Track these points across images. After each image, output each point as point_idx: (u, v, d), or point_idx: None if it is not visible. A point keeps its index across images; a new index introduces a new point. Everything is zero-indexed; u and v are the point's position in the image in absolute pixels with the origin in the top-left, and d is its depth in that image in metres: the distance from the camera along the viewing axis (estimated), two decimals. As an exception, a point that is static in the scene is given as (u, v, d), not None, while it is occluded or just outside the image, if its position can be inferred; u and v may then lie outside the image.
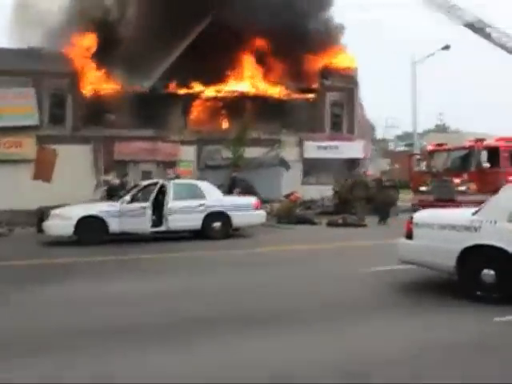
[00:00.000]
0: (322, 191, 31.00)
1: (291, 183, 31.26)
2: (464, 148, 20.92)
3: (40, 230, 16.98)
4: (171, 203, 16.49)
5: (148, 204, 16.06)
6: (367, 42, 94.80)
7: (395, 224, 21.65)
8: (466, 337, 6.67)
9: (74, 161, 27.53)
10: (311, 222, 21.62)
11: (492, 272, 8.06)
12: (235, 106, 32.07)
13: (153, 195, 16.32)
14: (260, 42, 33.61)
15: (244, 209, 17.31)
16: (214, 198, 17.13)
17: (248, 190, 24.39)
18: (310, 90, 34.39)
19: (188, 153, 31.12)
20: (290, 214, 21.63)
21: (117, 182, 23.50)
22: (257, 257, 13.66)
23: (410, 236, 9.19)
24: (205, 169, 30.69)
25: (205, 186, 17.52)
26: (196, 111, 32.85)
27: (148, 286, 9.86)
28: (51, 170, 27.39)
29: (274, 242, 16.53)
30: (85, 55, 30.66)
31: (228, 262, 12.98)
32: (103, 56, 29.99)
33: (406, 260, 9.47)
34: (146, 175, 30.28)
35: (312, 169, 34.32)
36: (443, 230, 8.69)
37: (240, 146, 28.19)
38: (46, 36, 29.67)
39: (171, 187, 16.67)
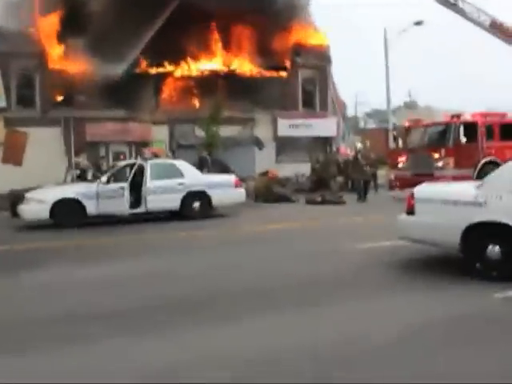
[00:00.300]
0: (296, 169, 30.91)
1: (265, 162, 31.10)
2: (441, 124, 20.98)
3: (14, 215, 16.45)
4: (149, 183, 16.13)
5: (126, 184, 15.65)
6: (339, 18, 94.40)
7: (374, 200, 21.74)
8: (470, 311, 6.53)
9: (45, 143, 26.87)
10: (289, 200, 21.43)
11: (497, 248, 7.74)
12: (207, 84, 31.59)
13: (130, 176, 15.90)
14: (230, 20, 33.12)
15: (224, 187, 17.01)
16: (192, 176, 16.79)
17: (223, 169, 24.13)
18: (282, 68, 34.07)
19: (160, 133, 30.70)
20: (268, 192, 21.37)
21: (86, 163, 23.04)
22: (239, 237, 13.38)
23: (411, 212, 8.77)
24: (177, 148, 30.31)
25: (183, 165, 17.16)
26: (167, 91, 32.29)
27: (129, 269, 9.54)
28: (22, 153, 26.65)
29: (256, 220, 16.31)
30: (51, 34, 29.89)
31: (212, 242, 12.69)
32: (71, 36, 29.27)
33: (406, 237, 9.07)
34: (118, 156, 29.90)
35: (285, 147, 34.17)
36: (447, 205, 8.29)
37: (214, 124, 27.80)
38: (6, 13, 28.67)
39: (148, 167, 16.27)
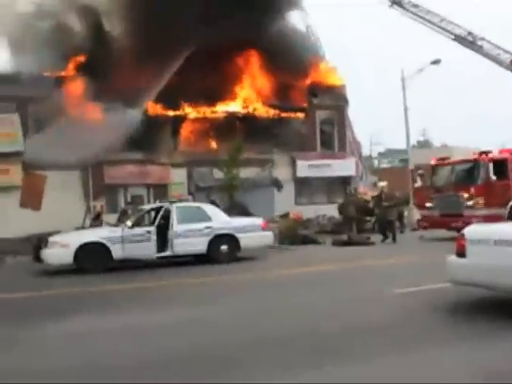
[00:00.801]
0: (316, 210, 30.53)
1: (284, 203, 30.79)
2: (469, 161, 20.56)
3: (37, 259, 16.06)
4: (176, 227, 15.75)
5: (153, 228, 15.29)
6: (355, 59, 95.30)
7: (401, 240, 21.23)
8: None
9: (63, 187, 26.63)
10: (316, 242, 20.98)
11: None
12: (224, 126, 31.50)
13: (157, 219, 15.54)
14: (247, 62, 33.23)
15: (251, 230, 16.61)
16: (220, 219, 16.43)
17: (243, 212, 23.79)
18: (300, 109, 33.95)
19: (179, 175, 30.51)
20: (294, 234, 20.94)
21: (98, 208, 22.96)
22: (272, 280, 12.90)
23: (462, 254, 8.35)
24: (196, 191, 30.08)
25: (210, 208, 16.83)
26: (185, 133, 32.17)
27: (162, 317, 9.03)
28: (40, 197, 26.41)
29: (286, 263, 15.83)
30: (70, 80, 29.92)
31: (243, 287, 12.22)
32: (89, 80, 29.31)
33: (459, 280, 8.60)
34: (138, 199, 29.66)
35: (304, 188, 33.94)
36: (500, 246, 7.78)
37: (233, 166, 27.55)
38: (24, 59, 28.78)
39: (175, 210, 15.93)
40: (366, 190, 36.64)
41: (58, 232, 20.61)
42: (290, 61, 31.66)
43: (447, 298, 9.25)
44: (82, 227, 22.85)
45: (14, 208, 25.35)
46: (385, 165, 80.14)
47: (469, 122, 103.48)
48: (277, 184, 31.51)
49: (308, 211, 29.52)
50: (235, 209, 24.18)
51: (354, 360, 6.31)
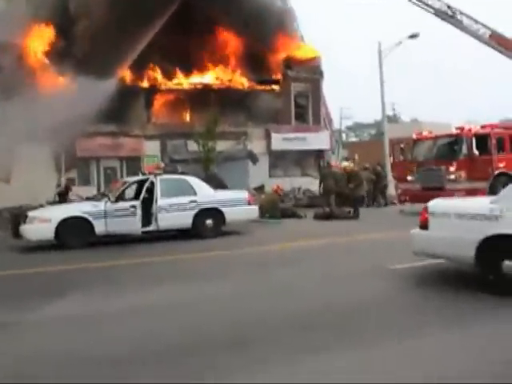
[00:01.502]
0: (289, 183, 30.41)
1: (258, 176, 30.53)
2: (452, 136, 20.50)
3: (16, 235, 15.48)
4: (160, 201, 15.32)
5: (138, 203, 14.81)
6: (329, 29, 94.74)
7: (382, 214, 21.12)
8: None
9: (34, 159, 25.84)
10: (296, 216, 20.74)
11: None
12: (199, 98, 31.03)
13: (142, 193, 15.06)
14: (222, 34, 32.66)
15: (236, 204, 16.26)
16: (205, 193, 16.03)
17: (219, 185, 23.39)
18: (274, 82, 33.58)
19: (152, 148, 29.98)
20: (275, 208, 20.59)
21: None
22: (264, 256, 12.58)
23: (425, 226, 8.65)
24: (170, 163, 29.55)
25: (195, 181, 16.39)
26: (158, 105, 31.58)
27: (156, 298, 8.71)
28: (8, 169, 25.64)
29: (272, 238, 15.50)
30: (40, 47, 28.99)
31: (235, 262, 11.90)
32: (61, 48, 28.43)
33: (422, 252, 8.92)
34: (111, 171, 29.12)
35: (278, 161, 33.70)
36: (461, 219, 8.13)
37: (209, 139, 27.07)
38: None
39: (159, 184, 15.47)
40: (337, 164, 36.54)
41: (30, 206, 20.12)
42: (265, 32, 31.21)
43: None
44: (54, 201, 22.25)
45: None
46: (353, 139, 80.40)
47: (437, 97, 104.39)
48: (252, 157, 31.16)
49: (282, 184, 29.23)
50: (211, 182, 23.73)
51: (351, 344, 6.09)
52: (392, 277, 9.38)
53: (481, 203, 8.43)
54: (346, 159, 41.74)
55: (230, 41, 32.52)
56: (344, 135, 76.82)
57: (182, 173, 19.51)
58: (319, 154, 34.70)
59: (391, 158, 24.92)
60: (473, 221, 7.94)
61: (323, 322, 6.95)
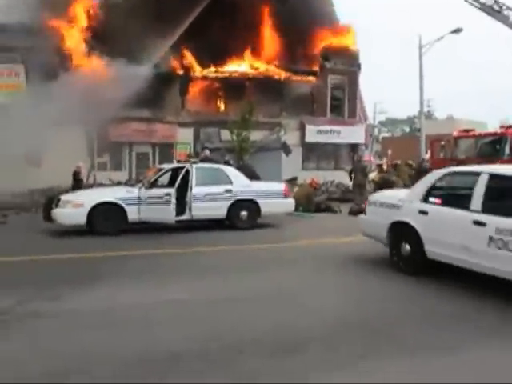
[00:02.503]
0: (324, 176, 29.87)
1: (291, 168, 30.11)
2: (495, 134, 19.88)
3: (48, 218, 15.23)
4: (195, 189, 14.96)
5: (173, 190, 14.43)
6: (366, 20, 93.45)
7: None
8: None
9: (66, 142, 25.65)
10: (331, 210, 20.24)
11: (407, 245, 9.23)
12: (234, 87, 30.66)
13: (178, 181, 14.70)
14: (260, 23, 32.18)
15: (273, 196, 15.85)
16: (241, 183, 15.64)
17: (251, 175, 23.00)
18: (312, 73, 33.04)
19: (185, 135, 29.71)
20: (310, 201, 20.09)
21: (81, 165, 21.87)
22: (300, 252, 12.11)
23: (365, 212, 10.82)
24: (202, 151, 29.29)
25: (231, 170, 16.02)
26: (193, 92, 31.27)
27: (190, 293, 8.30)
28: (40, 152, 25.53)
29: (310, 233, 15.04)
30: (75, 32, 28.84)
31: (278, 257, 11.49)
32: (95, 33, 28.27)
33: (363, 233, 10.85)
34: (143, 157, 28.96)
35: (312, 153, 33.24)
36: (381, 207, 10.09)
37: (244, 128, 26.70)
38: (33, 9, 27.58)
39: (194, 172, 15.11)
40: (370, 158, 36.01)
41: (61, 188, 19.96)
42: (304, 22, 30.69)
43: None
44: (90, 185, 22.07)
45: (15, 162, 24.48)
46: (385, 134, 79.49)
47: (473, 96, 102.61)
48: (285, 148, 30.73)
49: (316, 177, 28.74)
50: (243, 171, 23.36)
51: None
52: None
53: (397, 195, 10.23)
54: (379, 155, 41.21)
55: (269, 29, 32.03)
56: (376, 130, 76.09)
57: (227, 162, 19.27)
58: (353, 147, 34.16)
59: (428, 154, 24.35)
60: (387, 209, 9.85)
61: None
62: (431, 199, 9.02)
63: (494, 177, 8.12)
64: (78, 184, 19.96)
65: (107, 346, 6.05)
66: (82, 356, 5.74)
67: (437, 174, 9.53)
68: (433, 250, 8.68)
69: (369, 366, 5.47)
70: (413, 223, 9.01)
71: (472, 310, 7.29)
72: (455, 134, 21.17)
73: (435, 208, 8.83)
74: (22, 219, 18.81)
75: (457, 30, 29.52)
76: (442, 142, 21.61)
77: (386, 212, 9.74)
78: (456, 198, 8.80)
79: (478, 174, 8.33)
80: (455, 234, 8.23)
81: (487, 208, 7.87)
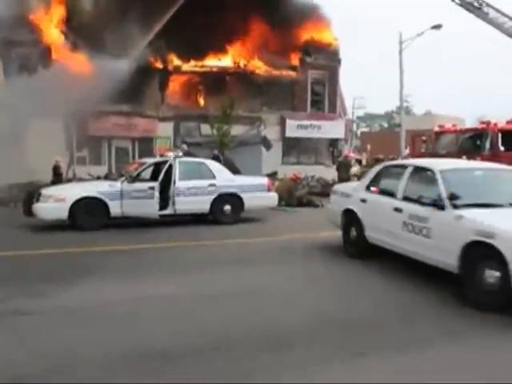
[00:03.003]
0: (304, 171, 29.86)
1: (271, 162, 30.08)
2: (476, 130, 20.01)
3: (28, 213, 15.01)
4: (178, 183, 14.86)
5: (156, 184, 14.32)
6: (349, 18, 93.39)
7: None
8: None
9: (45, 136, 25.33)
10: (312, 204, 20.23)
11: (354, 231, 10.14)
12: (214, 81, 30.54)
13: (161, 175, 14.58)
14: (240, 17, 31.96)
15: (256, 190, 15.79)
16: (224, 177, 15.57)
17: (233, 170, 22.94)
18: (292, 67, 33.00)
19: (165, 129, 29.56)
20: (291, 195, 20.09)
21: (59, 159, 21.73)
22: (292, 246, 12.02)
23: (329, 202, 11.88)
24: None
25: (214, 164, 15.94)
26: (173, 86, 31.10)
27: (175, 288, 8.26)
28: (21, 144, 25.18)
29: (293, 227, 15.02)
30: (53, 24, 28.51)
31: (264, 251, 11.43)
32: (73, 27, 27.97)
33: (329, 220, 11.66)
34: (122, 151, 28.77)
35: (292, 148, 33.26)
36: (339, 196, 11.20)
37: (226, 123, 26.62)
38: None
39: (177, 166, 15.00)
40: (349, 153, 36.07)
41: (40, 183, 19.70)
42: (284, 16, 30.63)
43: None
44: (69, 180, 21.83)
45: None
46: (363, 129, 79.83)
47: (452, 92, 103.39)
48: (266, 143, 30.70)
49: (294, 171, 28.79)
50: (224, 166, 23.31)
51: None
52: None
53: (352, 185, 11.89)
54: (358, 150, 41.32)
55: (250, 23, 31.87)
56: (354, 125, 76.32)
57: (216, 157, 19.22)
58: (333, 142, 34.23)
59: (407, 149, 24.47)
60: (342, 198, 10.89)
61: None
62: (370, 189, 10.02)
63: (416, 169, 9.10)
64: (58, 178, 19.75)
65: (92, 343, 5.94)
66: (66, 355, 5.62)
67: (378, 167, 10.73)
68: (371, 235, 9.62)
69: (362, 361, 5.47)
70: (356, 210, 10.05)
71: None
72: (436, 129, 21.27)
73: (372, 197, 9.86)
74: (0, 214, 18.53)
75: (437, 26, 29.62)
76: (424, 137, 21.71)
77: (341, 200, 10.83)
78: (388, 188, 9.66)
79: (405, 167, 9.38)
80: (383, 220, 9.20)
81: (406, 196, 8.79)
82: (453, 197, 7.75)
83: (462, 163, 10.84)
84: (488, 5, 26.23)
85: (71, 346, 5.86)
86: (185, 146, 19.95)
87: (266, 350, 5.68)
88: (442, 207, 7.83)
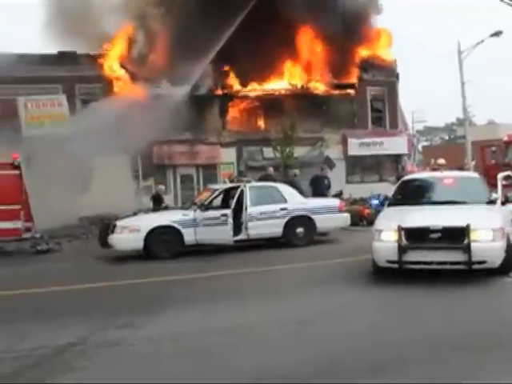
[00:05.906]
0: (369, 189, 29.42)
1: (335, 182, 29.71)
2: (551, 139, 19.36)
3: (104, 244, 15.22)
4: (250, 209, 14.84)
5: (229, 211, 14.36)
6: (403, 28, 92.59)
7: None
8: None
9: (111, 167, 25.75)
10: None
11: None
12: (273, 104, 30.53)
13: (234, 201, 14.62)
14: (298, 38, 31.88)
15: (328, 211, 15.68)
16: (295, 200, 15.51)
17: (298, 191, 22.80)
18: (350, 86, 32.73)
19: (228, 155, 29.70)
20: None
21: (162, 188, 21.84)
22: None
23: None
24: (246, 170, 29.22)
25: (285, 188, 15.89)
26: (233, 111, 31.29)
27: (265, 315, 8.22)
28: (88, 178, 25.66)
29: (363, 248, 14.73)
30: (114, 57, 29.15)
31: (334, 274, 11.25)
32: (134, 59, 28.56)
33: None
34: (187, 179, 29.05)
35: (355, 166, 32.94)
36: None
37: (287, 145, 26.59)
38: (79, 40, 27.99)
39: (248, 191, 15.00)
40: (413, 168, 35.41)
41: (112, 214, 19.95)
42: (342, 34, 30.38)
43: None
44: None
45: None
46: (424, 143, 78.52)
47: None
48: (329, 163, 30.41)
49: (359, 190, 28.48)
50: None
51: None
52: None
53: None
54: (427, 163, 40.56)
55: (307, 44, 31.77)
56: (415, 139, 75.18)
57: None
58: (397, 158, 33.74)
59: (474, 161, 23.90)
60: None
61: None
62: None
63: None
64: (158, 206, 19.75)
65: (190, 375, 5.89)
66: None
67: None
68: None
69: None
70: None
71: None
72: (506, 138, 20.68)
73: None
74: (75, 247, 18.87)
75: (497, 33, 28.96)
76: (493, 148, 21.14)
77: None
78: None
79: None
80: None
81: None
82: None
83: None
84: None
85: (169, 377, 5.82)
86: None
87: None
88: None
